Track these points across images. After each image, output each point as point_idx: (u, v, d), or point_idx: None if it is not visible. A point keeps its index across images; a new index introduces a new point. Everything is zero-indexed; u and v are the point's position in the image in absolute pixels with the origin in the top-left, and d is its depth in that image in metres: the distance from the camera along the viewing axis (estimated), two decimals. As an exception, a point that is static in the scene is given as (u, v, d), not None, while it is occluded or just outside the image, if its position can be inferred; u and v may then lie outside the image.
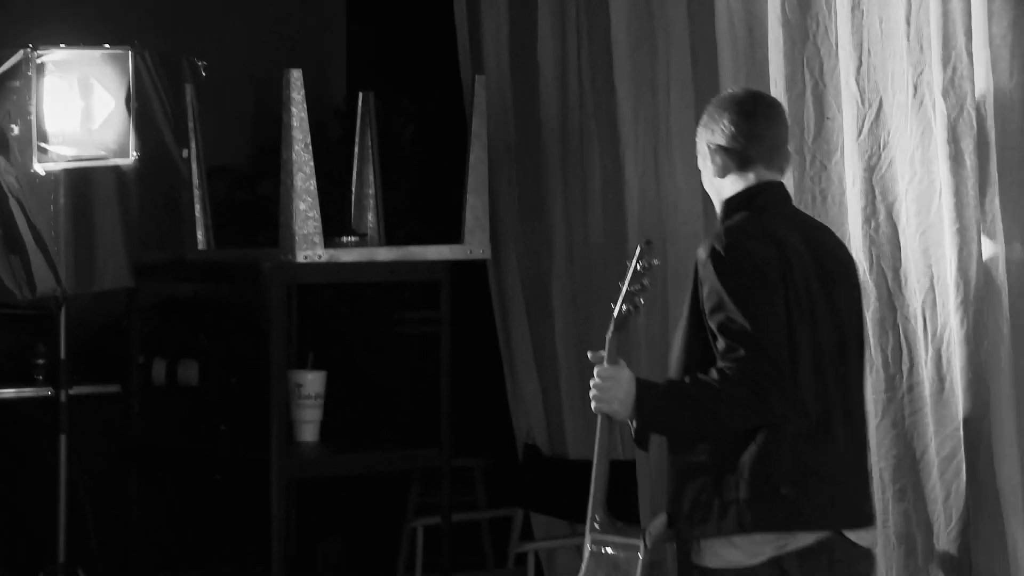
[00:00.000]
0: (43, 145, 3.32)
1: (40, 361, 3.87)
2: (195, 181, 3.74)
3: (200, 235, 3.77)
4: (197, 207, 3.75)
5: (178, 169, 3.64)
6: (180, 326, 4.10)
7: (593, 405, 2.43)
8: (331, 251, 3.57)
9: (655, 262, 2.47)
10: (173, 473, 4.00)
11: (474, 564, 4.22)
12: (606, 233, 3.77)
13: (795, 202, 2.81)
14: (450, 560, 3.75)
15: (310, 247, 3.49)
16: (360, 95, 3.92)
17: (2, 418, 3.75)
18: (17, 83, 3.30)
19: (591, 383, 2.42)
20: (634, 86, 3.61)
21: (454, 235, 3.81)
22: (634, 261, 2.45)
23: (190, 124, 3.70)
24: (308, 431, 3.70)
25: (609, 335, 2.45)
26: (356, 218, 3.89)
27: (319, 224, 3.50)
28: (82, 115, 3.38)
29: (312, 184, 3.51)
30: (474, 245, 3.75)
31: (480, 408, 4.30)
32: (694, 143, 2.61)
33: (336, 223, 3.74)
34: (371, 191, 3.91)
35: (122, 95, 3.40)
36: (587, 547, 2.50)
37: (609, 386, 2.40)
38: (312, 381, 3.71)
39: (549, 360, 4.01)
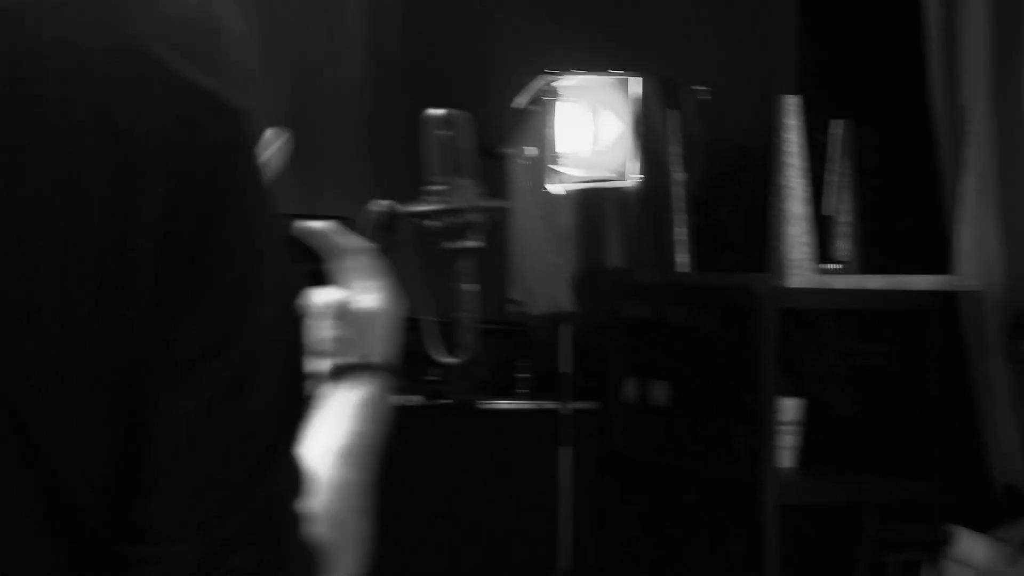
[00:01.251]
0: (554, 167, 3.48)
1: (522, 375, 4.03)
2: (679, 205, 3.84)
3: (681, 258, 3.86)
4: (681, 231, 3.84)
5: (668, 193, 3.73)
6: (651, 346, 4.18)
7: None
8: (821, 278, 3.57)
9: None
10: (647, 490, 4.07)
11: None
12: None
13: None
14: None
15: (802, 272, 3.50)
16: (840, 123, 3.91)
17: (493, 428, 3.92)
18: (535, 107, 3.48)
19: None
20: None
21: (928, 265, 3.81)
22: None
23: (677, 149, 3.81)
24: (786, 457, 3.71)
25: None
26: (832, 246, 3.88)
27: (810, 251, 3.51)
28: (591, 138, 3.52)
29: (805, 211, 3.53)
30: (965, 276, 3.66)
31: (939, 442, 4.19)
32: None
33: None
34: (848, 219, 3.89)
35: (627, 119, 3.51)
36: None
37: None
38: (791, 407, 3.72)
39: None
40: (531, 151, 3.48)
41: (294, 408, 1.04)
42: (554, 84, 3.43)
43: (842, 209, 3.89)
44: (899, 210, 4.50)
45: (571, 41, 3.68)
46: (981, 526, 4.09)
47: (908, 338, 3.88)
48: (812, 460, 3.82)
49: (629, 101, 3.50)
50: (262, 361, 1.00)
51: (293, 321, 1.07)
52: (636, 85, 3.51)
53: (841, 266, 3.77)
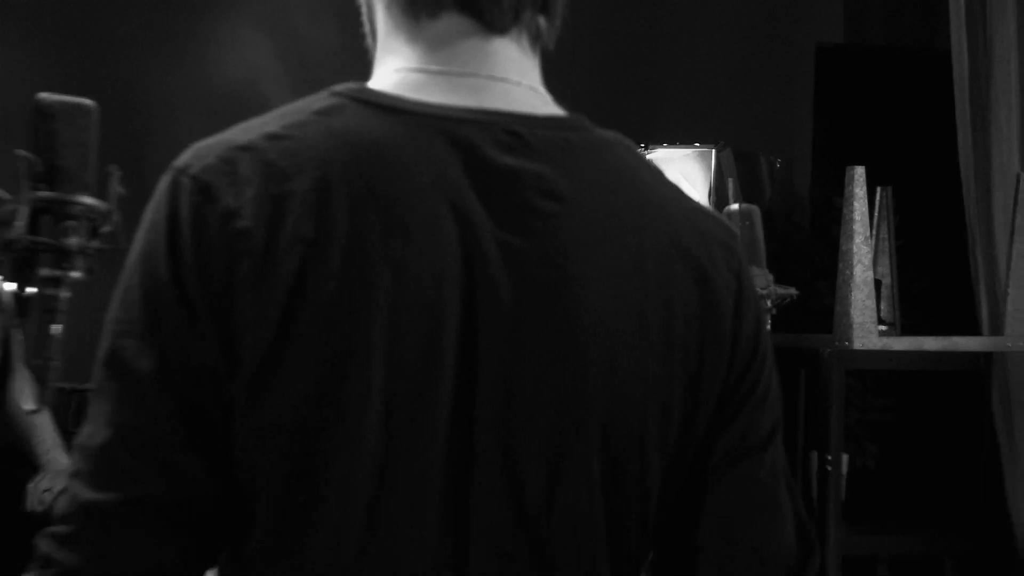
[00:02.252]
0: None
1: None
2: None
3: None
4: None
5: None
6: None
7: None
8: (884, 340, 3.74)
9: None
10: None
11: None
12: None
13: None
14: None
15: (866, 335, 3.67)
16: (879, 189, 4.12)
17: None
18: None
19: None
20: None
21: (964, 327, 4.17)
22: None
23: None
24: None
25: None
26: (880, 308, 4.06)
27: (874, 314, 3.69)
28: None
29: (869, 275, 3.69)
30: (1015, 337, 3.88)
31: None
32: None
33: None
34: (890, 282, 4.08)
35: (704, 190, 3.67)
36: None
37: None
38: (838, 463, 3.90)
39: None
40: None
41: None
42: (647, 155, 3.57)
43: (886, 273, 4.09)
44: (925, 272, 4.74)
45: (660, 116, 3.85)
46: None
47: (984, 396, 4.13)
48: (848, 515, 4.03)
49: (708, 172, 3.66)
50: (782, 455, 1.24)
51: None
52: (712, 156, 3.67)
53: (887, 328, 3.96)
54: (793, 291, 2.34)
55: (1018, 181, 3.98)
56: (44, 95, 1.86)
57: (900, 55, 5.13)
